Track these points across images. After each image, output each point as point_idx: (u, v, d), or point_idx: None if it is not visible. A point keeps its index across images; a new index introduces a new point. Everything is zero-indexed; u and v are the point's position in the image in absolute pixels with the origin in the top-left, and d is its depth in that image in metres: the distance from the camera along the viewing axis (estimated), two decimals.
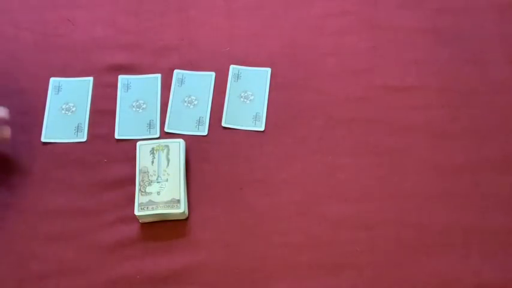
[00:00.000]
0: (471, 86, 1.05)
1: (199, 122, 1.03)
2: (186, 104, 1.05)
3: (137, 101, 1.05)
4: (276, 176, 0.99)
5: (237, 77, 1.06)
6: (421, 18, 1.10)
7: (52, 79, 1.07)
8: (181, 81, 1.06)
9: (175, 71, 1.07)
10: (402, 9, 1.11)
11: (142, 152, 0.98)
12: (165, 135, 1.02)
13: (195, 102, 1.05)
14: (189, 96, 1.05)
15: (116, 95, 1.05)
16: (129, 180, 0.97)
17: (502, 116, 1.02)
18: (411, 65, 1.06)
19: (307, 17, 1.11)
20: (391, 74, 1.06)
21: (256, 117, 1.03)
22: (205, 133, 1.02)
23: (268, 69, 1.07)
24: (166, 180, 0.95)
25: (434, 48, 1.08)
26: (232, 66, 1.07)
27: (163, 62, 1.07)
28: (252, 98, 1.05)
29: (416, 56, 1.07)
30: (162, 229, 0.95)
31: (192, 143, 1.01)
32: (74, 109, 1.05)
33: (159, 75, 1.06)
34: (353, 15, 1.11)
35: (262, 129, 1.02)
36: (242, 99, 1.05)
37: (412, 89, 1.05)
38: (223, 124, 1.02)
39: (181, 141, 0.98)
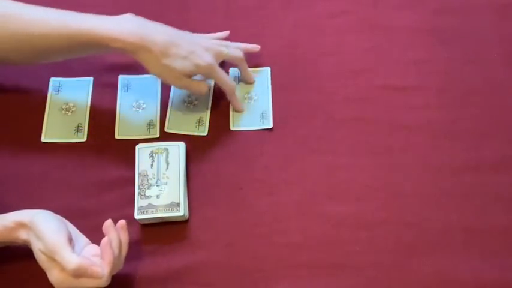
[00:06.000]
0: (471, 86, 1.05)
1: (199, 122, 1.03)
2: (186, 104, 1.05)
3: (137, 101, 1.05)
4: (276, 176, 0.99)
5: (238, 79, 1.06)
6: (421, 18, 1.10)
7: (52, 79, 1.07)
8: None
9: None
10: (402, 9, 1.11)
11: (142, 155, 0.97)
12: (165, 135, 1.02)
13: (195, 103, 1.05)
14: (189, 97, 1.05)
15: (116, 95, 1.05)
16: (129, 181, 0.97)
17: (502, 116, 1.02)
18: (411, 65, 1.07)
19: (307, 17, 1.11)
20: (391, 74, 1.06)
21: (262, 116, 1.03)
22: (205, 133, 1.02)
23: (268, 68, 1.07)
24: (166, 183, 0.95)
25: (434, 48, 1.08)
26: (231, 69, 1.07)
27: None
28: (255, 98, 1.05)
29: (416, 56, 1.07)
30: (162, 229, 0.95)
31: (192, 143, 1.01)
32: (74, 109, 1.05)
33: None
34: (353, 15, 1.11)
35: (270, 126, 1.02)
36: (246, 100, 1.05)
37: (412, 89, 1.05)
38: (231, 127, 1.02)
39: (181, 144, 0.98)
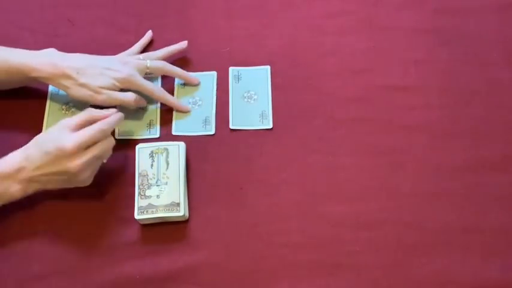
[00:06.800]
0: (471, 86, 1.05)
1: (206, 121, 1.03)
2: (190, 105, 1.05)
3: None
4: (276, 176, 0.99)
5: (238, 78, 1.06)
6: (421, 18, 1.10)
7: None
8: (183, 83, 1.06)
9: None
10: (402, 10, 1.11)
11: (142, 155, 0.97)
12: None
13: (200, 103, 1.05)
14: (193, 97, 1.05)
15: None
16: (129, 181, 0.97)
17: (502, 116, 1.02)
18: (411, 65, 1.06)
19: (307, 17, 1.11)
20: (391, 74, 1.06)
21: (262, 116, 1.03)
22: (213, 132, 1.02)
23: (268, 67, 1.07)
24: (166, 183, 0.95)
25: (434, 48, 1.08)
26: (231, 68, 1.07)
27: None
28: (255, 97, 1.05)
29: (416, 56, 1.07)
30: (162, 229, 0.95)
31: (193, 143, 1.01)
32: (73, 109, 1.05)
33: (159, 76, 1.07)
34: (353, 15, 1.11)
35: (270, 126, 1.02)
36: (246, 99, 1.05)
37: (412, 89, 1.05)
38: (231, 126, 1.02)
39: (181, 144, 0.98)
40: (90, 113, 0.94)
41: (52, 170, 0.90)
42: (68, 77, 0.97)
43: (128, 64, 1.01)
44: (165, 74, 1.05)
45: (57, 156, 0.89)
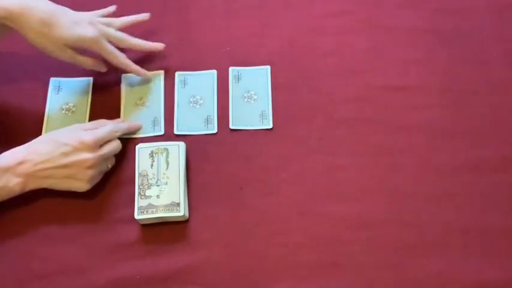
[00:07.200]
0: (471, 86, 1.05)
1: (208, 120, 1.03)
2: (191, 104, 1.05)
3: (141, 98, 1.05)
4: (276, 176, 0.99)
5: (238, 78, 1.06)
6: (421, 18, 1.10)
7: (52, 79, 1.07)
8: (184, 83, 1.06)
9: (177, 73, 1.07)
10: (402, 9, 1.11)
11: (142, 155, 0.97)
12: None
13: (201, 102, 1.05)
14: (194, 97, 1.05)
15: (116, 95, 1.05)
16: (130, 180, 0.97)
17: (502, 116, 1.02)
18: (411, 65, 1.06)
19: (307, 17, 1.11)
20: (391, 74, 1.06)
21: (262, 116, 1.03)
22: (215, 131, 1.02)
23: (268, 67, 1.07)
24: (166, 183, 0.95)
25: (434, 48, 1.08)
26: (231, 68, 1.07)
27: (163, 62, 1.07)
28: (255, 97, 1.05)
29: (416, 56, 1.07)
30: (162, 229, 0.95)
31: (193, 143, 1.01)
32: (74, 109, 1.05)
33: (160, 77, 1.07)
34: (353, 15, 1.11)
35: (270, 126, 1.02)
36: (246, 99, 1.05)
37: (412, 89, 1.05)
38: (231, 126, 1.02)
39: (181, 144, 0.98)
40: (100, 120, 0.99)
41: (62, 163, 0.92)
42: (30, 21, 0.94)
43: (94, 26, 1.00)
44: (126, 47, 1.05)
45: (76, 148, 0.92)
